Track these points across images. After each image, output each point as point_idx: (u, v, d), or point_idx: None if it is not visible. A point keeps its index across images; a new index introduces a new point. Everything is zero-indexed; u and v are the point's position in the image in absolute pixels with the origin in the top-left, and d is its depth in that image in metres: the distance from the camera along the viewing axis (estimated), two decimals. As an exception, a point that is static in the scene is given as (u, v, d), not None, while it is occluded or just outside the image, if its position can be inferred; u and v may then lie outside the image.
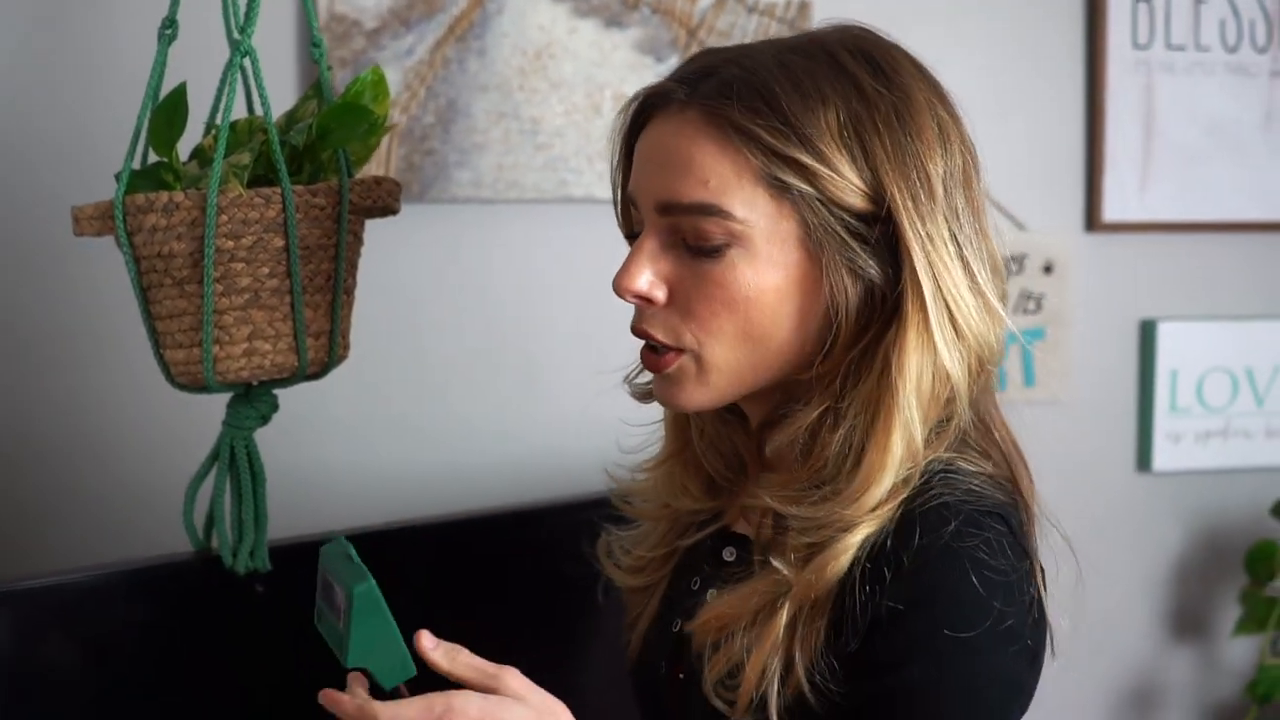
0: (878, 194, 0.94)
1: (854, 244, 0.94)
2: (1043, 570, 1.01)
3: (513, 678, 0.93)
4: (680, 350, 0.98)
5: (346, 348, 1.29)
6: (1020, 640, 0.93)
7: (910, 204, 0.94)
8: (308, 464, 1.68)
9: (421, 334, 1.73)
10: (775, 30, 1.76)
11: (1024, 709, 0.99)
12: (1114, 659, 2.00)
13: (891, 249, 0.95)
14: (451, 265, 1.73)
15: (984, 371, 0.98)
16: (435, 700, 0.90)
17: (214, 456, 1.28)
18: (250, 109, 1.30)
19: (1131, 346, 1.96)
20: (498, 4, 1.69)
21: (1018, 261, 1.89)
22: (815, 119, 0.93)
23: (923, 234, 0.93)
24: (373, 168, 1.67)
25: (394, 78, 1.67)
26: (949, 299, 0.94)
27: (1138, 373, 1.97)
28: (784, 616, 0.93)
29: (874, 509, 0.93)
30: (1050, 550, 1.06)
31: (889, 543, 0.92)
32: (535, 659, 0.99)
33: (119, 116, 1.30)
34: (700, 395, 0.99)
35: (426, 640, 0.94)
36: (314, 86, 1.29)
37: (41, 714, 1.20)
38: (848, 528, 0.92)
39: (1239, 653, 2.00)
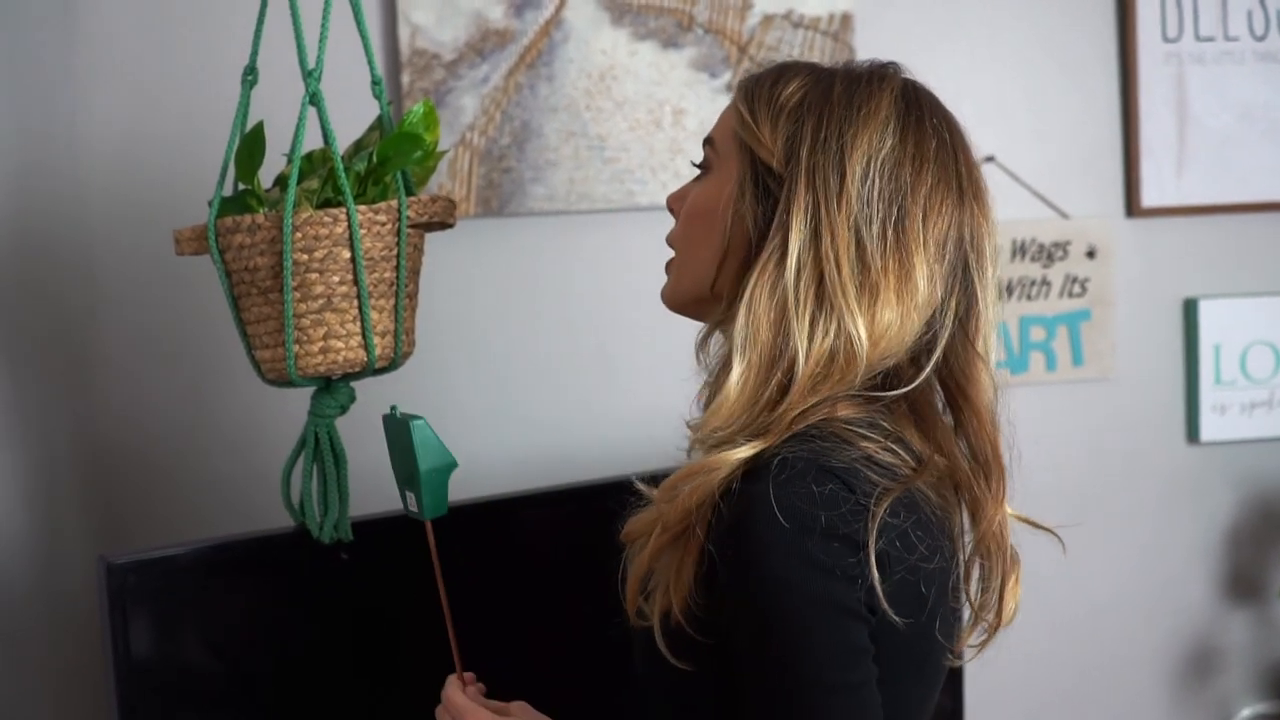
0: (788, 161, 1.05)
1: (759, 193, 1.07)
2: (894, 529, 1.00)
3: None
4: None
5: (411, 344, 1.44)
6: (831, 578, 0.96)
7: (813, 179, 1.04)
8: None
9: (505, 334, 1.89)
10: (820, 43, 1.89)
11: (861, 646, 0.99)
12: (1174, 622, 2.08)
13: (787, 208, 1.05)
14: (531, 272, 1.89)
15: (850, 363, 1.02)
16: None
17: (301, 443, 1.44)
18: (326, 140, 1.46)
19: (1175, 324, 2.05)
20: (563, 32, 1.85)
21: (1062, 248, 1.99)
22: (777, 95, 1.09)
23: (811, 204, 1.04)
24: (455, 186, 1.83)
25: (471, 104, 1.83)
26: (825, 264, 1.02)
27: (1183, 349, 2.05)
28: (658, 538, 1.04)
29: (716, 446, 1.02)
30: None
31: (733, 487, 1.00)
32: (585, 598, 1.17)
33: (213, 151, 1.46)
34: (667, 290, 1.18)
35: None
36: (377, 119, 1.45)
37: (170, 656, 1.40)
38: (709, 469, 1.01)
39: (1294, 613, 2.07)
